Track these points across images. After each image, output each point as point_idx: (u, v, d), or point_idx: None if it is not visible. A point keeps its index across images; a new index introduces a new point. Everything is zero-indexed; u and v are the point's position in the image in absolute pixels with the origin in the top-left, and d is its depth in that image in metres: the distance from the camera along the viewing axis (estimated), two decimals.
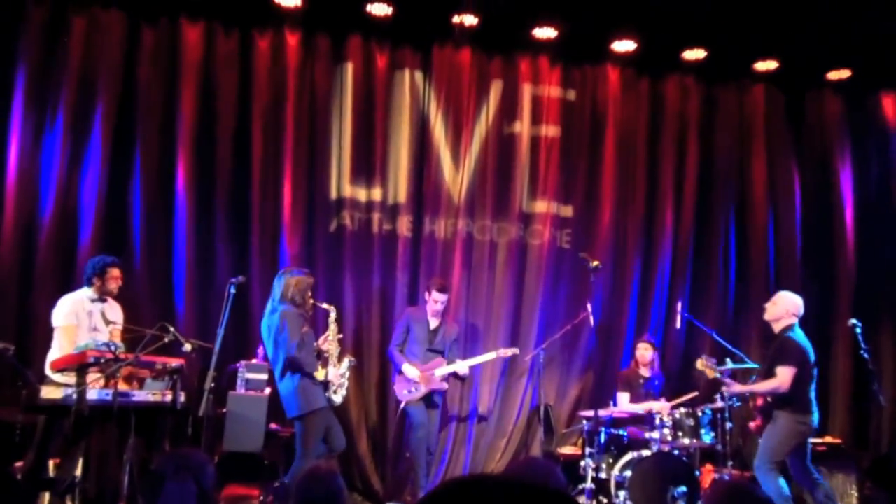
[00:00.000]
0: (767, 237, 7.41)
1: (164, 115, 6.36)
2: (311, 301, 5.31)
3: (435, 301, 6.12)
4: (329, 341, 5.28)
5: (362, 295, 6.66)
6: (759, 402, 5.51)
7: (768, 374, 5.37)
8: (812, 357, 5.38)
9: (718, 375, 5.52)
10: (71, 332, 4.97)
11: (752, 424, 5.71)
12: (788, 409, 5.26)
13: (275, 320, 5.05)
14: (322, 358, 5.22)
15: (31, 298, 5.78)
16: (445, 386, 6.14)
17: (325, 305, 5.42)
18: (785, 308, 5.48)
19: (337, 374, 5.25)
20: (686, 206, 7.34)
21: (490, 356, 6.34)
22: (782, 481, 5.21)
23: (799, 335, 5.40)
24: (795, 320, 5.45)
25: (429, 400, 6.06)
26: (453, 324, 6.41)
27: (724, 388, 5.56)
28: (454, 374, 6.22)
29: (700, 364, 5.57)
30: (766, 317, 5.58)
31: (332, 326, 5.34)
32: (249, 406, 5.58)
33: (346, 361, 5.37)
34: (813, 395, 5.34)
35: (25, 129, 6.00)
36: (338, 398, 5.27)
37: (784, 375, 5.23)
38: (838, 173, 7.52)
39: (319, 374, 5.10)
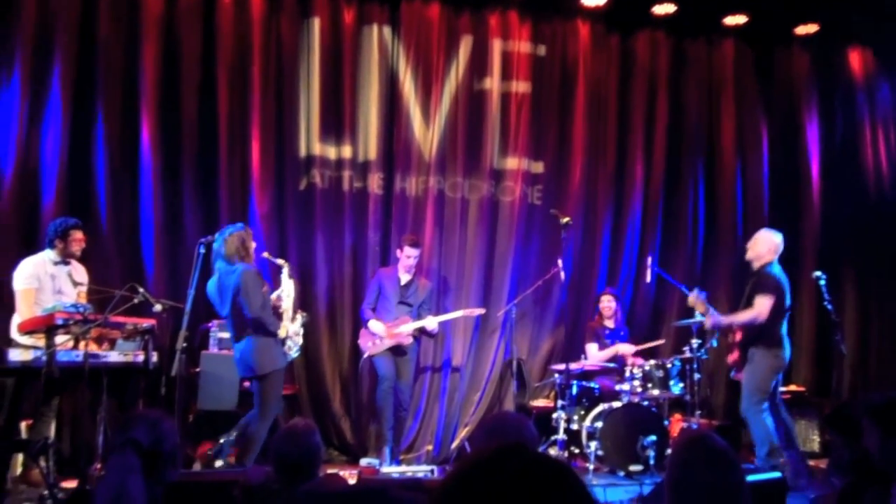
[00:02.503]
0: (735, 191, 7.52)
1: (125, 71, 6.18)
2: (266, 254, 5.27)
3: (407, 256, 6.13)
4: (284, 297, 5.22)
5: (334, 253, 6.64)
6: (738, 336, 5.67)
7: (747, 305, 5.54)
8: (787, 291, 5.58)
9: (706, 309, 5.66)
10: (30, 296, 4.89)
11: (729, 358, 5.87)
12: (762, 345, 5.45)
13: (232, 280, 4.95)
14: (278, 315, 5.16)
15: None
16: (410, 339, 6.17)
17: (278, 261, 5.33)
18: (767, 246, 5.67)
19: (293, 331, 5.21)
20: (656, 160, 7.40)
21: (458, 314, 6.39)
22: (769, 418, 5.39)
23: (776, 269, 5.59)
24: (775, 257, 5.64)
25: (397, 350, 6.11)
26: (426, 281, 6.42)
27: (705, 319, 5.69)
28: (423, 332, 6.27)
29: (691, 299, 5.70)
30: (749, 256, 5.76)
31: (287, 283, 5.25)
32: (223, 365, 5.56)
33: (299, 317, 5.32)
34: (784, 329, 5.53)
35: None
36: (293, 353, 5.25)
37: (762, 305, 5.41)
38: (805, 127, 7.63)
39: (281, 331, 5.08)
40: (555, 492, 1.04)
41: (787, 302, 5.60)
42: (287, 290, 5.24)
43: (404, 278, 6.24)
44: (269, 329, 4.98)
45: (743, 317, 5.54)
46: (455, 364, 6.79)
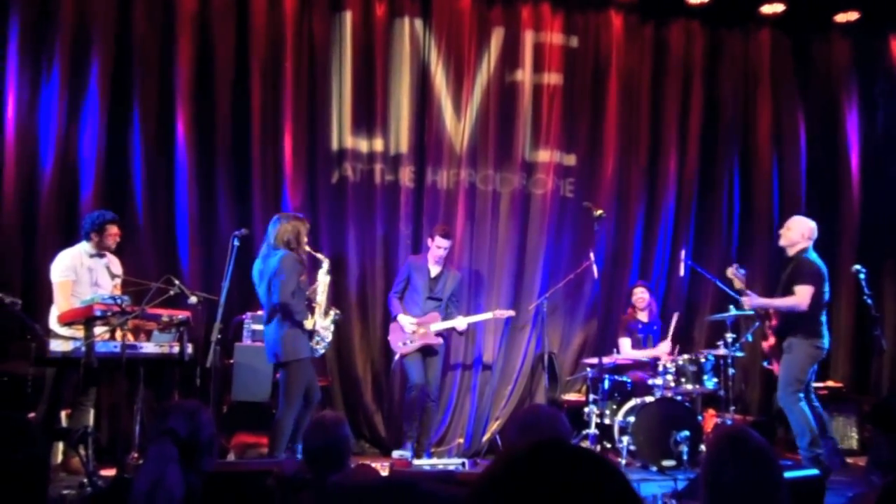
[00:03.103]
0: (772, 183, 7.39)
1: (161, 67, 6.26)
2: (307, 247, 5.29)
3: (438, 247, 6.12)
4: (319, 292, 5.26)
5: (365, 246, 6.66)
6: (774, 322, 5.61)
7: (785, 293, 5.47)
8: (826, 278, 5.49)
9: (743, 286, 5.62)
10: (66, 288, 4.98)
11: (765, 344, 5.81)
12: (801, 334, 5.38)
13: (272, 264, 5.02)
14: (310, 307, 5.21)
15: (34, 253, 5.77)
16: (440, 340, 6.18)
17: (319, 255, 5.38)
18: (800, 232, 5.58)
19: (322, 326, 5.25)
20: (690, 152, 7.30)
21: (487, 316, 6.36)
22: (807, 407, 5.32)
23: (814, 256, 5.51)
24: (810, 244, 5.56)
25: (426, 349, 6.12)
26: (455, 272, 6.40)
27: (744, 299, 5.61)
28: (452, 329, 6.26)
29: (730, 272, 5.68)
30: (782, 242, 5.68)
31: (324, 278, 5.31)
32: (256, 357, 5.62)
33: (332, 314, 5.37)
34: (824, 318, 5.45)
35: (22, 83, 5.91)
36: (321, 349, 5.30)
37: (803, 294, 5.35)
38: (845, 118, 7.46)
39: (308, 323, 5.11)
40: (600, 488, 1.03)
41: (827, 291, 5.51)
42: (323, 286, 5.28)
43: (434, 270, 6.23)
44: (295, 318, 5.02)
45: (783, 303, 5.46)
46: (486, 357, 6.78)
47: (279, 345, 5.04)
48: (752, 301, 5.57)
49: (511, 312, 6.47)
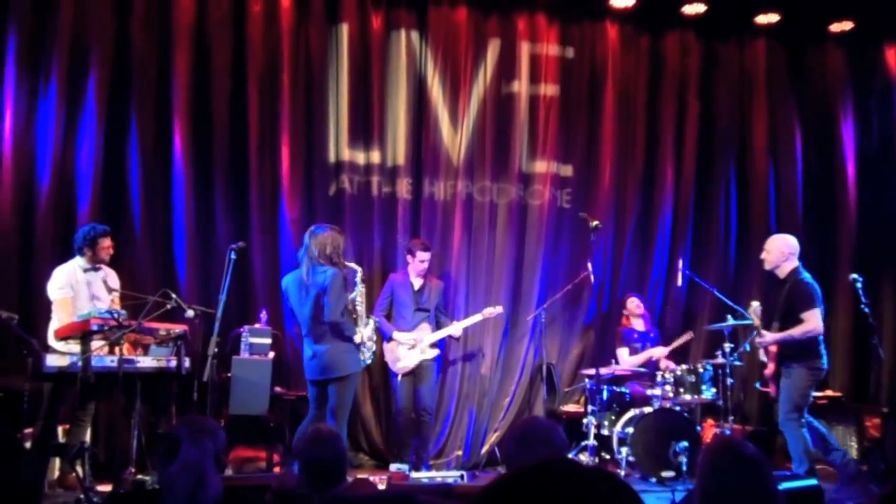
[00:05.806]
0: (768, 193, 7.40)
1: (158, 80, 6.27)
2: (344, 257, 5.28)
3: (421, 261, 6.11)
4: (358, 302, 5.24)
5: (363, 258, 6.63)
6: (774, 349, 5.57)
7: (786, 319, 5.36)
8: (821, 297, 5.44)
9: (759, 324, 5.58)
10: (66, 305, 4.96)
11: (766, 372, 5.78)
12: (802, 359, 5.32)
13: (320, 280, 4.93)
14: (352, 319, 5.18)
15: (31, 267, 5.76)
16: (436, 352, 6.18)
17: (351, 265, 5.34)
18: (779, 251, 5.49)
19: (367, 336, 5.23)
20: (686, 163, 7.32)
21: (477, 318, 6.33)
22: (807, 433, 5.28)
23: (808, 277, 5.44)
24: (797, 261, 5.47)
25: (420, 363, 6.11)
26: (437, 281, 6.37)
27: (756, 339, 5.54)
28: (448, 336, 6.27)
29: (752, 310, 5.63)
30: (766, 266, 5.59)
31: (360, 287, 5.29)
32: (254, 370, 5.61)
33: (371, 322, 5.36)
34: (821, 338, 5.40)
35: (19, 96, 5.91)
36: (367, 359, 5.27)
37: (814, 318, 5.28)
38: (840, 127, 7.49)
39: (357, 337, 5.09)
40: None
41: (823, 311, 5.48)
42: (361, 295, 5.27)
43: (417, 283, 6.22)
44: (345, 334, 5.01)
45: (797, 332, 5.29)
46: (484, 369, 6.77)
47: (338, 359, 4.99)
48: (765, 339, 5.45)
49: (500, 309, 6.39)
